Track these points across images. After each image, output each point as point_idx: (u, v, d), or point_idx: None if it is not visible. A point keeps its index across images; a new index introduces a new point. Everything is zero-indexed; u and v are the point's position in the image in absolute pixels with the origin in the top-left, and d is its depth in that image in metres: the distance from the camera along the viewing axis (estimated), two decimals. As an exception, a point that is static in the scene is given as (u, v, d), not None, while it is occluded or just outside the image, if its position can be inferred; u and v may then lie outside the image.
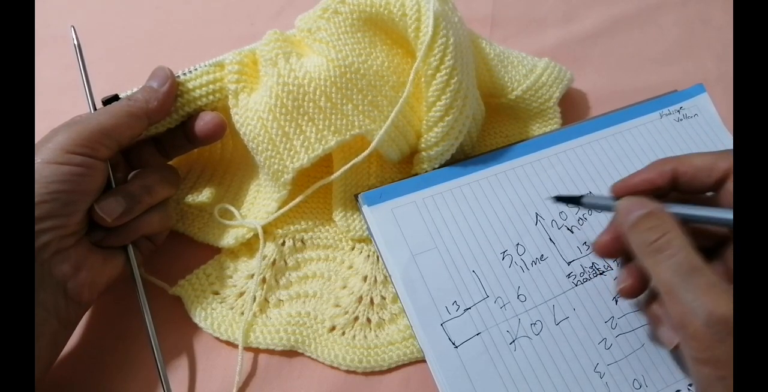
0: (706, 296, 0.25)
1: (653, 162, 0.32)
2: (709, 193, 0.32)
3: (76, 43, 0.36)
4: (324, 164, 0.41)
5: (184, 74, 0.38)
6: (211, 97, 0.38)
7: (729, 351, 0.24)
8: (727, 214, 0.28)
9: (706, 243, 0.31)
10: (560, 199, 0.36)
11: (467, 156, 0.42)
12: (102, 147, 0.32)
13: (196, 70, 0.38)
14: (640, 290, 0.31)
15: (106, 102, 0.36)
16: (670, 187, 0.31)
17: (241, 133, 0.38)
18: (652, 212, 0.29)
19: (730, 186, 0.30)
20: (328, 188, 0.41)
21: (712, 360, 0.25)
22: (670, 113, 0.44)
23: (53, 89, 0.50)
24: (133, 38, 0.54)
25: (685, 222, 0.29)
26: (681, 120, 0.43)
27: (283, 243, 0.40)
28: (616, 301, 0.36)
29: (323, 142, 0.36)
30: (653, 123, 0.43)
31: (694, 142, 0.43)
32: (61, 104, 0.49)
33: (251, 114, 0.37)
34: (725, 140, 0.43)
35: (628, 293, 0.31)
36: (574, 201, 0.35)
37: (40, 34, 0.53)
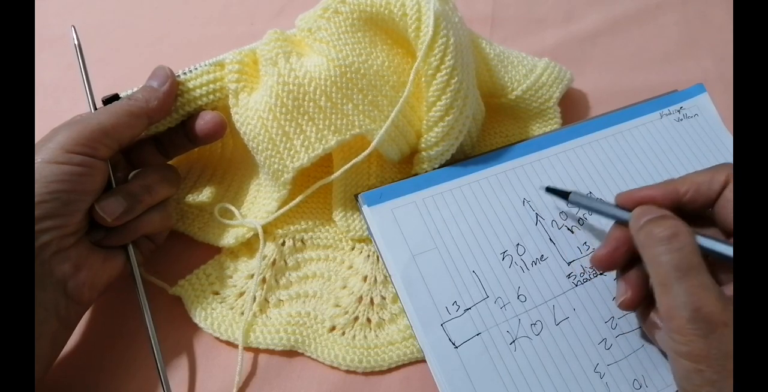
0: (696, 294, 0.27)
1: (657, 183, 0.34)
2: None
3: (76, 42, 0.36)
4: (324, 164, 0.41)
5: (185, 73, 0.38)
6: (211, 97, 0.38)
7: (708, 348, 0.26)
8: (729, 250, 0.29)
9: None
10: (549, 190, 0.38)
11: (467, 156, 0.42)
12: (102, 146, 0.32)
13: (196, 69, 0.38)
14: (640, 302, 0.32)
15: (107, 101, 0.36)
16: (672, 206, 0.32)
17: (241, 132, 0.38)
18: (666, 215, 0.30)
19: (728, 193, 0.31)
20: (328, 188, 0.41)
21: (692, 354, 0.26)
22: (670, 113, 0.44)
23: (53, 89, 0.50)
24: (133, 38, 0.54)
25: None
26: (681, 120, 0.43)
27: (283, 244, 0.40)
28: (616, 301, 0.36)
29: (323, 142, 0.36)
30: (653, 123, 0.43)
31: (694, 141, 0.42)
32: (61, 104, 0.49)
33: (251, 113, 0.37)
34: (725, 140, 0.43)
35: (628, 305, 0.32)
36: (562, 195, 0.37)
37: (40, 34, 0.53)
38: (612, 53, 0.52)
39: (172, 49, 0.53)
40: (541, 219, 0.38)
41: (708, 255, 0.30)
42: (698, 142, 0.43)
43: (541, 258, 0.36)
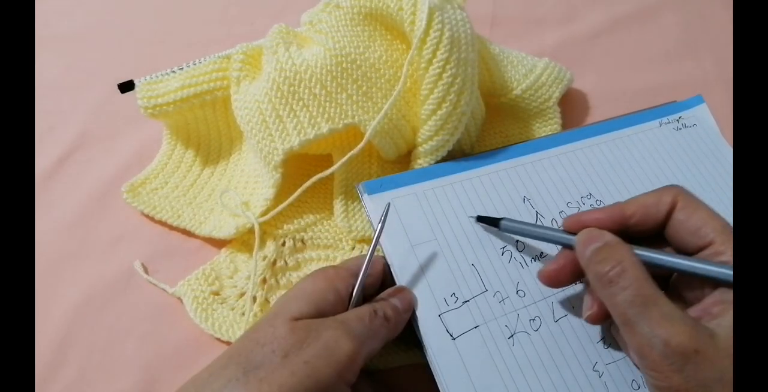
0: (661, 327, 0.26)
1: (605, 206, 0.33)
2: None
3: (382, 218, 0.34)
4: (325, 166, 0.41)
5: (194, 63, 0.39)
6: (212, 84, 0.39)
7: (686, 380, 0.25)
8: (692, 264, 0.28)
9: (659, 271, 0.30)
10: (481, 219, 0.36)
11: (466, 155, 0.42)
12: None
13: (204, 60, 0.40)
14: (606, 315, 0.31)
15: (122, 87, 0.38)
16: (619, 229, 0.31)
17: (238, 118, 0.38)
18: (607, 243, 0.29)
19: (678, 215, 0.30)
20: (329, 189, 0.41)
21: (672, 389, 0.25)
22: (669, 122, 0.44)
23: (53, 89, 0.50)
24: (134, 38, 0.54)
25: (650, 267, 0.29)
26: (680, 129, 0.44)
27: (284, 244, 0.40)
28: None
29: (316, 128, 0.37)
30: (653, 130, 0.43)
31: (692, 149, 0.43)
32: (61, 104, 0.49)
33: (249, 97, 0.38)
34: (723, 150, 0.43)
35: (595, 320, 0.31)
36: (493, 223, 0.35)
37: (40, 34, 0.53)
38: (612, 53, 0.52)
39: (172, 49, 0.53)
40: (541, 218, 0.38)
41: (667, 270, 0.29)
42: (696, 150, 0.43)
43: (540, 255, 0.36)
